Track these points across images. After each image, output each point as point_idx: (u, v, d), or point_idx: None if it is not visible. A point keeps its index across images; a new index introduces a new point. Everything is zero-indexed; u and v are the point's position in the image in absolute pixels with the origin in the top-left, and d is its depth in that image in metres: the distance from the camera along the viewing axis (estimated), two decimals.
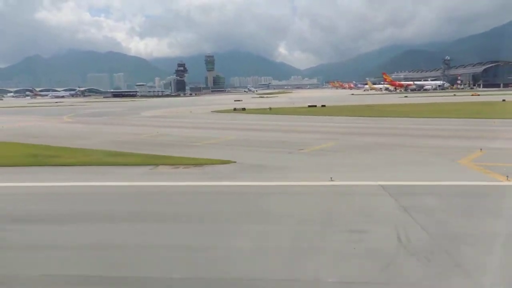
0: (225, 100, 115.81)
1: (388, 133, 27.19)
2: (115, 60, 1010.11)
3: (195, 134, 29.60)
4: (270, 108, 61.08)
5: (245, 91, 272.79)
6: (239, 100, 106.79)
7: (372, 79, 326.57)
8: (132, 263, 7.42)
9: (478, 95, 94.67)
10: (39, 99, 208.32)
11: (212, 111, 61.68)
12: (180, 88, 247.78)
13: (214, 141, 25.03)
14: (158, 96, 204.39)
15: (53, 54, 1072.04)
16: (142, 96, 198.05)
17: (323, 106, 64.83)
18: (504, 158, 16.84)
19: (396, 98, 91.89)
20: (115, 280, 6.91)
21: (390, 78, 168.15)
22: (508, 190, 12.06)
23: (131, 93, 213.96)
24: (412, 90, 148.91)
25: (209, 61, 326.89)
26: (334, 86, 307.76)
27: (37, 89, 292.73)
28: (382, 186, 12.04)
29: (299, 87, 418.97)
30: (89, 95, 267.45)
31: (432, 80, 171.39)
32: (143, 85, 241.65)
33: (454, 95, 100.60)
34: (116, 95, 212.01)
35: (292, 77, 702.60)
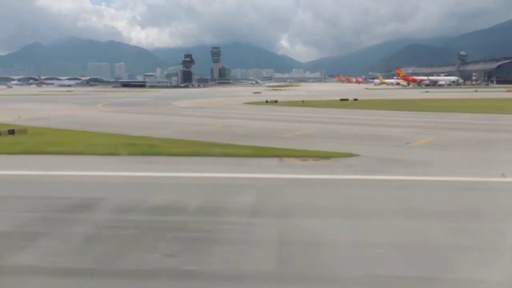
0: (241, 92, 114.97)
1: (475, 128, 26.52)
2: (116, 49, 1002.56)
3: (265, 125, 29.04)
4: (303, 101, 60.49)
5: (252, 83, 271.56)
6: (258, 92, 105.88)
7: (376, 73, 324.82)
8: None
9: None
10: (47, 87, 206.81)
11: (244, 103, 61.10)
12: (186, 79, 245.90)
13: (298, 133, 24.47)
14: (167, 87, 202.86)
15: (53, 42, 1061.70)
16: (151, 86, 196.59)
17: (355, 99, 64.37)
18: None
19: (419, 93, 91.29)
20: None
21: (404, 73, 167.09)
22: None
23: (140, 83, 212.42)
24: (426, 85, 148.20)
25: (216, 52, 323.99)
26: (340, 80, 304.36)
27: (42, 78, 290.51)
28: None
29: (302, 80, 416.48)
30: (95, 84, 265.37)
31: (442, 76, 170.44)
32: (151, 75, 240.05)
33: (476, 91, 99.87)
34: (125, 84, 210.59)
35: (294, 70, 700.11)
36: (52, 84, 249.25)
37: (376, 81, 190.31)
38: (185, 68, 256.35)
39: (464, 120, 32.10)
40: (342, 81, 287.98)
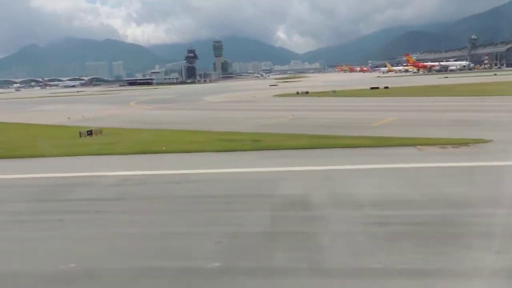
0: (255, 85, 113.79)
1: None
2: (113, 47, 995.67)
3: (337, 116, 28.57)
4: (334, 91, 59.84)
5: (256, 77, 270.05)
6: (274, 85, 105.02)
7: (376, 62, 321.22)
8: None
9: None
10: (51, 89, 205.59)
11: (274, 95, 60.55)
12: (190, 75, 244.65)
13: (384, 121, 23.89)
14: (174, 83, 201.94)
15: (50, 43, 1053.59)
16: (158, 83, 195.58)
17: (386, 87, 63.73)
18: None
19: (438, 79, 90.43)
20: None
21: (413, 60, 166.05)
22: None
23: (147, 81, 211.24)
24: (437, 71, 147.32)
25: (218, 47, 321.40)
26: (342, 70, 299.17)
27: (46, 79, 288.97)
28: None
29: (301, 71, 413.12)
30: (98, 84, 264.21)
31: (452, 61, 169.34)
32: (158, 72, 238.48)
33: (495, 74, 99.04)
34: (131, 83, 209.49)
35: (292, 61, 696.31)
36: (56, 85, 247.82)
37: (384, 69, 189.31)
38: (188, 64, 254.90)
39: None
40: (344, 71, 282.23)
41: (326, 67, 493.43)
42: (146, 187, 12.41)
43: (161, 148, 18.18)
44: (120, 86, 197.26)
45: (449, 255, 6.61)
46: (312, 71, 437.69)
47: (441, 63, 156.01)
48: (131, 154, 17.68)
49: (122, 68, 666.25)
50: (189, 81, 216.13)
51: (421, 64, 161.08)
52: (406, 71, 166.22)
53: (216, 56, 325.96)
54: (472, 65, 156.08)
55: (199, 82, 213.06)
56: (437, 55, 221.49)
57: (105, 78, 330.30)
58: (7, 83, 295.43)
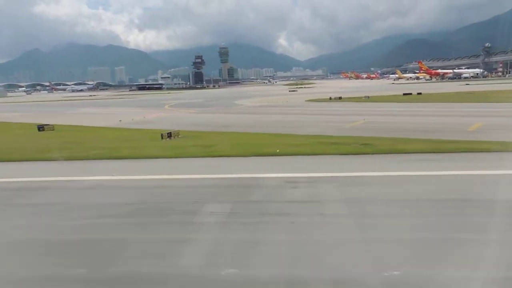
0: (272, 91, 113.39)
1: None
2: (115, 53, 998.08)
3: (411, 121, 27.97)
4: (368, 97, 59.32)
5: (264, 83, 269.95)
6: (293, 91, 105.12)
7: (379, 69, 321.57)
8: None
9: None
10: (58, 93, 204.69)
11: (307, 100, 60.01)
12: (198, 80, 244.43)
13: (476, 126, 23.26)
14: (183, 88, 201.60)
15: (53, 48, 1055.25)
16: (168, 88, 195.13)
17: (419, 93, 63.22)
18: None
19: (460, 86, 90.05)
20: None
21: (426, 67, 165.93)
22: None
23: (157, 86, 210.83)
24: (450, 78, 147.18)
25: (224, 53, 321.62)
26: (347, 77, 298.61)
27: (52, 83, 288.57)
28: None
29: (304, 78, 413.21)
30: (105, 89, 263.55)
31: (464, 68, 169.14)
32: (168, 77, 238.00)
33: None
34: (141, 87, 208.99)
35: (294, 68, 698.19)
36: (63, 89, 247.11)
37: (393, 76, 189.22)
38: (196, 69, 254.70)
39: None
40: (350, 78, 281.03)
41: (329, 74, 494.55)
42: (329, 188, 11.83)
43: (275, 151, 17.47)
44: (130, 90, 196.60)
45: None
46: (315, 77, 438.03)
47: (454, 70, 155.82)
48: (245, 157, 16.98)
49: (125, 73, 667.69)
50: (198, 86, 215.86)
51: (434, 71, 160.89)
52: (417, 78, 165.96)
53: (222, 62, 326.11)
54: (486, 72, 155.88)
55: (208, 87, 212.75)
56: (444, 63, 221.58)
57: (110, 83, 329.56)
58: (12, 87, 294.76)
